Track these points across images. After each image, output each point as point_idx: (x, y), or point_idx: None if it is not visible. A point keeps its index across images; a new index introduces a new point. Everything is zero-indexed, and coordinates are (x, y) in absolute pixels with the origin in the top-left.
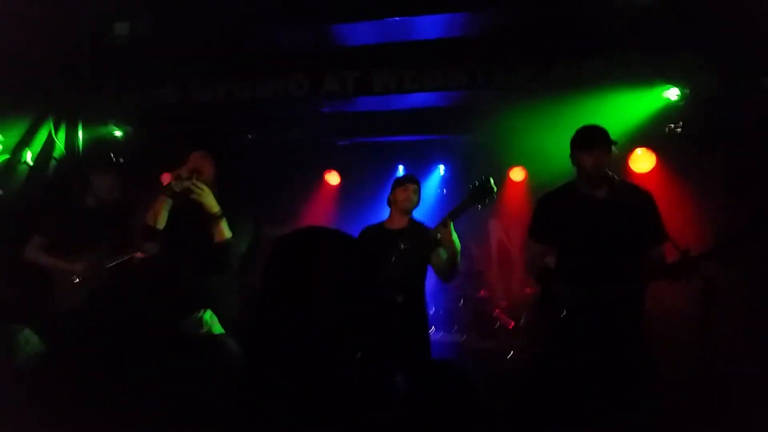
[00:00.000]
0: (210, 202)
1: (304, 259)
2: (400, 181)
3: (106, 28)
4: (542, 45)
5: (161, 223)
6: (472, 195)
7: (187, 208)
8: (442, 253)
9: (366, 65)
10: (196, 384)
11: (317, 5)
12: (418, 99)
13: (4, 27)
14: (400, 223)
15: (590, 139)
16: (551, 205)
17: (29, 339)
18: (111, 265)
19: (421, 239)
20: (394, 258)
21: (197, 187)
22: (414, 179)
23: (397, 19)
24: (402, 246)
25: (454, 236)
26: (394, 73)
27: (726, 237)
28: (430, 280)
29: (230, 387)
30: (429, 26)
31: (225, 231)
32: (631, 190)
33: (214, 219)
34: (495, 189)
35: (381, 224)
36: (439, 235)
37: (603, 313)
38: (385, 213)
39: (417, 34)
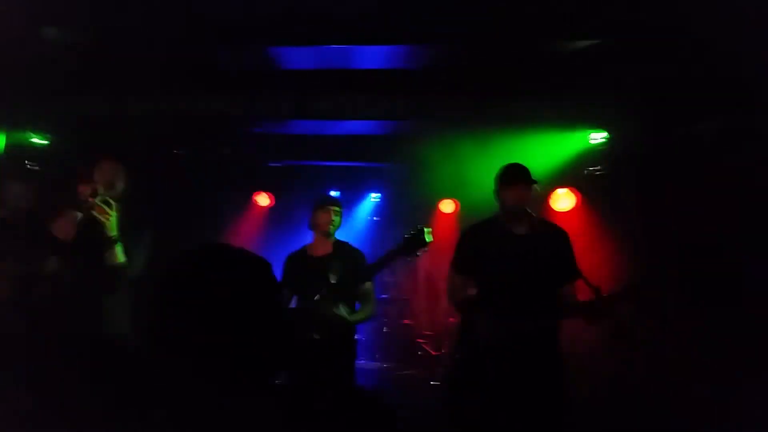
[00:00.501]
0: (110, 224)
1: (209, 275)
2: (321, 203)
3: (32, 33)
4: (477, 82)
5: (68, 235)
6: (405, 244)
7: (92, 225)
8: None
9: (303, 89)
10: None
11: (260, 26)
12: (353, 126)
13: None
14: (324, 248)
15: (512, 176)
16: (473, 238)
17: None
18: (14, 277)
19: (349, 267)
20: (319, 296)
21: (102, 207)
22: (335, 201)
23: (338, 47)
24: (331, 280)
25: (341, 316)
26: (330, 98)
27: (636, 279)
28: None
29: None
30: (369, 56)
31: (118, 255)
32: (549, 227)
33: (109, 242)
34: (429, 240)
35: (303, 250)
36: (366, 285)
37: (519, 345)
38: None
39: (356, 63)
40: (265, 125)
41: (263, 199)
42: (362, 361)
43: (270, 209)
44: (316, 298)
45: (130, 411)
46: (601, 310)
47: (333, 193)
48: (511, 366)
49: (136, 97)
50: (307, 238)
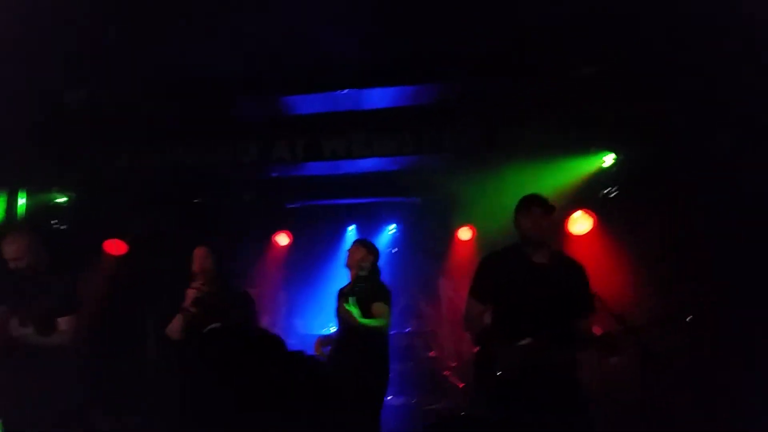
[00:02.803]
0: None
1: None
2: (351, 245)
3: (51, 97)
4: (488, 114)
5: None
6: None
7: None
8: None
9: (315, 132)
10: None
11: (269, 77)
12: (367, 164)
13: None
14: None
15: (529, 203)
16: (492, 265)
17: None
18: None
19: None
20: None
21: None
22: (363, 242)
23: (345, 91)
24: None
25: (349, 311)
26: (342, 139)
27: (662, 313)
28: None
29: None
30: (377, 97)
31: None
32: (567, 260)
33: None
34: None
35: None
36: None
37: (537, 375)
38: (334, 271)
39: (365, 104)
40: (281, 169)
41: (283, 239)
42: (390, 397)
43: (289, 247)
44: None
45: None
46: (621, 342)
47: (350, 228)
48: (529, 395)
49: (154, 151)
50: (327, 274)
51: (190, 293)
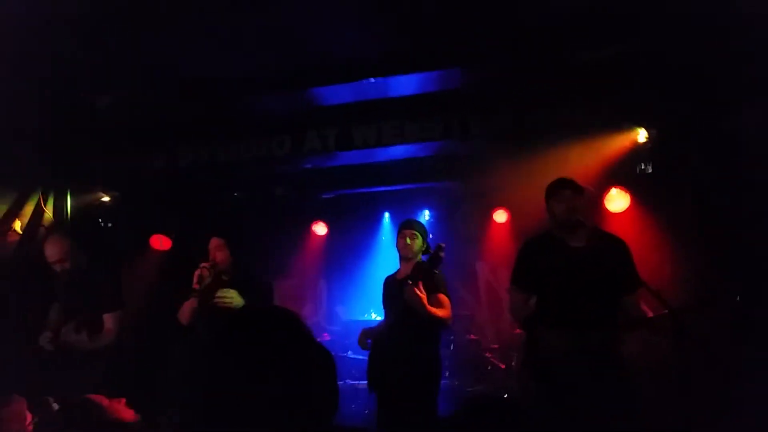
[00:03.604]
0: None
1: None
2: (399, 229)
3: (90, 99)
4: (517, 95)
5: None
6: (428, 261)
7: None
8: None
9: (345, 122)
10: None
11: (297, 71)
12: (398, 151)
13: None
14: (405, 271)
15: (558, 187)
16: (531, 253)
17: None
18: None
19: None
20: (393, 317)
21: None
22: (410, 224)
23: (373, 80)
24: (399, 305)
25: (420, 296)
26: (373, 127)
27: (707, 295)
28: None
29: None
30: (404, 84)
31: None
32: (606, 238)
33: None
34: (442, 256)
35: (394, 274)
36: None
37: (585, 359)
38: (371, 258)
39: (394, 92)
40: (314, 160)
41: (320, 228)
42: None
43: (327, 237)
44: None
45: None
46: (670, 322)
47: (386, 216)
48: (579, 381)
49: (192, 149)
50: (365, 261)
51: (197, 273)
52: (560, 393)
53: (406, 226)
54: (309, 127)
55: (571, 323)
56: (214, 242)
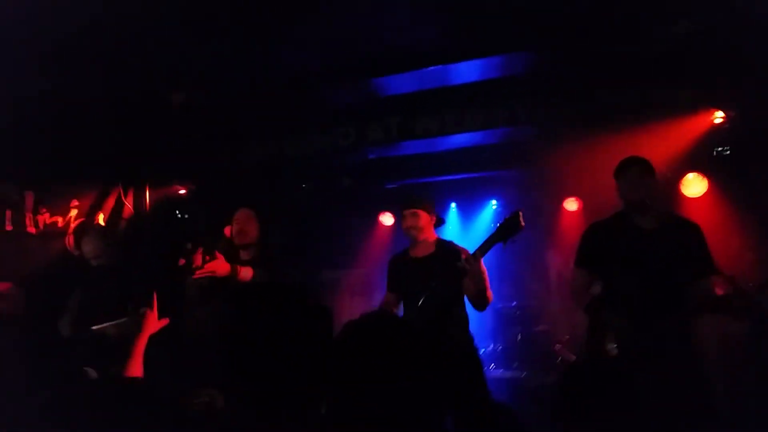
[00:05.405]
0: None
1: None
2: (401, 209)
3: (163, 98)
4: (585, 79)
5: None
6: (500, 229)
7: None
8: (470, 285)
9: (407, 111)
10: None
11: (359, 61)
12: (461, 139)
13: (75, 107)
14: (425, 249)
15: (626, 166)
16: (599, 233)
17: None
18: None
19: (449, 269)
20: (423, 300)
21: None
22: (409, 202)
23: (433, 68)
24: (432, 285)
25: (481, 270)
26: (435, 116)
27: None
28: (488, 315)
29: None
30: (465, 71)
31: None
32: (679, 221)
33: None
34: (522, 224)
35: (406, 252)
36: (467, 267)
37: (653, 344)
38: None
39: (455, 79)
40: (377, 150)
41: (387, 219)
42: (500, 371)
43: (393, 227)
44: (419, 303)
45: None
46: (742, 304)
47: (453, 206)
48: (646, 366)
49: (260, 143)
50: None
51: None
52: (626, 382)
53: (403, 206)
54: (371, 118)
55: (640, 308)
56: (243, 213)
